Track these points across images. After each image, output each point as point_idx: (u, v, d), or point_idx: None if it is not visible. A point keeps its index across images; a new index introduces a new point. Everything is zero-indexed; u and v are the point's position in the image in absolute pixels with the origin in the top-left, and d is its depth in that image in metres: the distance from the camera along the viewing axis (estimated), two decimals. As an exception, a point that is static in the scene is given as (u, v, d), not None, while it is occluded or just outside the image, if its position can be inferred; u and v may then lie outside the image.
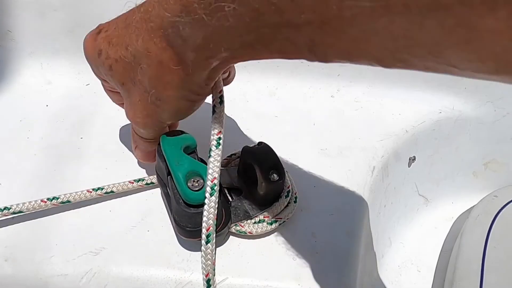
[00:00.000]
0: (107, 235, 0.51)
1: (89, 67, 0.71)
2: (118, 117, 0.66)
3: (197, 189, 0.45)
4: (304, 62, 0.72)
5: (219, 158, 0.45)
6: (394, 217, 0.76)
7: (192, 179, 0.45)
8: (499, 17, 0.23)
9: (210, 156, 0.45)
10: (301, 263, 0.50)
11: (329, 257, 0.50)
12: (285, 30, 0.34)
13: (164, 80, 0.43)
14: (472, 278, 0.62)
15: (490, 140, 0.78)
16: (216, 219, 0.46)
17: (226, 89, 0.71)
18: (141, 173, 0.57)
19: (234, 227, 0.50)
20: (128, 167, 0.59)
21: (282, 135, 0.64)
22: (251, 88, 0.73)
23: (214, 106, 0.47)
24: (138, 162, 0.59)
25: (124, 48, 0.44)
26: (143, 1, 0.44)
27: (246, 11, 0.34)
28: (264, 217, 0.51)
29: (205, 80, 0.43)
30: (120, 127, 0.64)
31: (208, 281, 0.45)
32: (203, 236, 0.45)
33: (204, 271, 0.46)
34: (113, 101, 0.57)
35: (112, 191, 0.54)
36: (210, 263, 0.46)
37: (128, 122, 0.64)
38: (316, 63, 0.71)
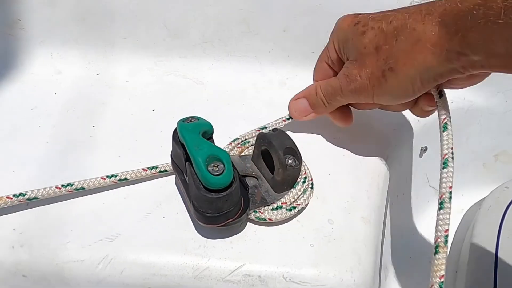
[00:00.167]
0: (123, 221, 0.51)
1: (99, 56, 0.71)
2: (129, 106, 0.66)
3: (217, 173, 0.44)
4: (315, 52, 0.72)
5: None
6: (405, 209, 0.76)
7: (213, 164, 0.45)
8: None
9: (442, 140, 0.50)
10: (318, 250, 0.49)
11: (346, 244, 0.50)
12: None
13: (411, 56, 0.47)
14: (486, 268, 0.62)
15: (501, 130, 0.78)
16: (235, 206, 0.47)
17: (237, 78, 0.71)
18: (154, 160, 0.56)
19: (253, 213, 0.50)
20: (141, 154, 0.58)
21: (293, 124, 0.64)
22: (261, 78, 0.72)
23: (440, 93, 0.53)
24: (151, 150, 0.59)
25: (386, 22, 0.49)
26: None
27: None
28: (282, 203, 0.50)
29: (440, 75, 0.47)
30: (131, 115, 0.64)
31: None
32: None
33: None
34: (315, 77, 0.61)
35: (126, 179, 0.54)
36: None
37: (140, 110, 0.65)
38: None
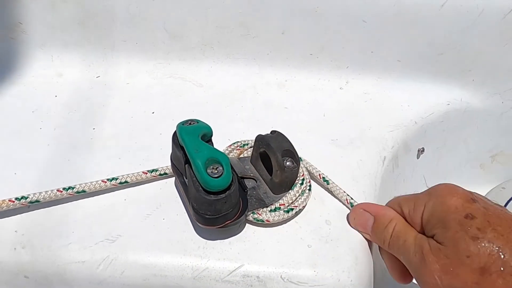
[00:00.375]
0: (123, 223, 0.51)
1: (99, 59, 0.72)
2: (129, 108, 0.67)
3: (216, 176, 0.45)
4: (313, 54, 0.73)
5: None
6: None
7: (212, 166, 0.45)
8: None
9: None
10: (316, 251, 0.50)
11: (343, 245, 0.51)
12: None
13: None
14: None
15: (498, 132, 0.79)
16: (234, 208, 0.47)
17: (236, 81, 0.72)
18: (154, 163, 0.57)
19: (251, 215, 0.51)
20: (141, 157, 0.59)
21: (292, 125, 0.65)
22: (260, 80, 0.73)
23: None
24: (152, 153, 0.59)
25: (505, 244, 0.40)
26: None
27: None
28: (280, 205, 0.51)
29: None
30: (131, 118, 0.65)
31: None
32: None
33: None
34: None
35: (126, 181, 0.55)
36: None
37: (140, 113, 0.65)
38: (325, 55, 0.72)
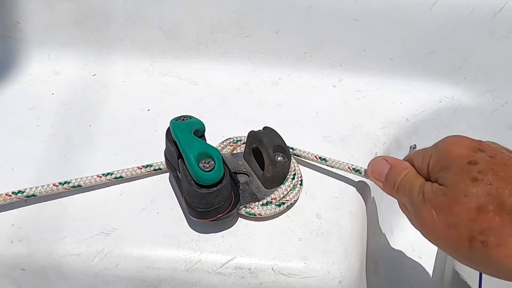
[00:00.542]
0: (118, 217, 0.52)
1: (95, 57, 0.73)
2: (125, 105, 0.68)
3: (208, 170, 0.46)
4: (306, 52, 0.74)
5: None
6: (395, 205, 0.77)
7: (203, 160, 0.47)
8: None
9: None
10: (307, 244, 0.51)
11: (334, 238, 0.52)
12: None
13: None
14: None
15: (489, 129, 0.80)
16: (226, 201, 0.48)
17: (230, 79, 0.73)
18: (149, 159, 0.58)
19: (243, 209, 0.52)
20: (136, 153, 0.60)
21: (286, 123, 0.66)
22: (254, 78, 0.74)
23: None
24: (146, 149, 0.60)
25: (505, 185, 0.40)
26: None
27: None
28: (271, 199, 0.52)
29: None
30: (127, 115, 0.66)
31: None
32: None
33: None
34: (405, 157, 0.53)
35: (121, 176, 0.56)
36: None
37: (135, 110, 0.66)
38: (318, 54, 0.73)
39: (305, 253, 0.50)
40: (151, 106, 0.68)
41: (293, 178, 0.54)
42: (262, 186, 0.54)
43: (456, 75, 0.75)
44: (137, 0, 0.71)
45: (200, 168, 0.46)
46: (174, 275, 0.49)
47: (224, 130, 0.62)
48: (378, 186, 0.53)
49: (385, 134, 0.67)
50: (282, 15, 0.72)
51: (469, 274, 0.64)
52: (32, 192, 0.52)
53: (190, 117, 0.53)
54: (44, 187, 0.53)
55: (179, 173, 0.51)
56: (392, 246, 0.75)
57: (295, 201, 0.54)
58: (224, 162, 0.49)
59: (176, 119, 0.52)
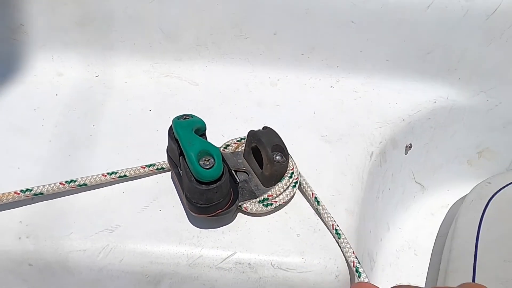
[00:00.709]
0: (122, 214, 0.54)
1: (98, 59, 0.75)
2: (127, 106, 0.69)
3: (208, 167, 0.48)
4: (304, 54, 0.76)
5: None
6: (392, 203, 0.79)
7: (204, 158, 0.48)
8: None
9: None
10: (305, 239, 0.53)
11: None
12: None
13: None
14: (467, 257, 0.65)
15: (484, 128, 0.81)
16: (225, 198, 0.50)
17: (230, 80, 0.75)
18: (151, 158, 0.60)
19: (243, 205, 0.53)
20: (138, 152, 0.62)
21: (284, 122, 0.67)
22: (253, 79, 0.76)
23: None
24: (149, 148, 0.62)
25: None
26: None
27: None
28: (268, 196, 0.54)
29: None
30: (129, 115, 0.67)
31: None
32: None
33: None
34: None
35: (125, 175, 0.57)
36: None
37: (137, 110, 0.68)
38: (316, 55, 0.75)
39: (303, 249, 0.52)
40: (153, 106, 0.69)
41: (291, 177, 0.55)
42: (261, 184, 0.56)
43: (451, 75, 0.76)
44: (138, 3, 0.72)
45: (200, 165, 0.48)
46: (176, 270, 0.51)
47: (223, 130, 0.64)
48: None
49: (381, 134, 0.69)
50: (280, 18, 0.73)
51: (464, 270, 0.65)
52: (39, 190, 0.54)
53: (192, 116, 0.54)
54: (51, 186, 0.54)
55: (181, 170, 0.52)
56: (389, 244, 0.77)
57: (285, 202, 0.56)
58: (223, 160, 0.50)
59: (178, 117, 0.54)
